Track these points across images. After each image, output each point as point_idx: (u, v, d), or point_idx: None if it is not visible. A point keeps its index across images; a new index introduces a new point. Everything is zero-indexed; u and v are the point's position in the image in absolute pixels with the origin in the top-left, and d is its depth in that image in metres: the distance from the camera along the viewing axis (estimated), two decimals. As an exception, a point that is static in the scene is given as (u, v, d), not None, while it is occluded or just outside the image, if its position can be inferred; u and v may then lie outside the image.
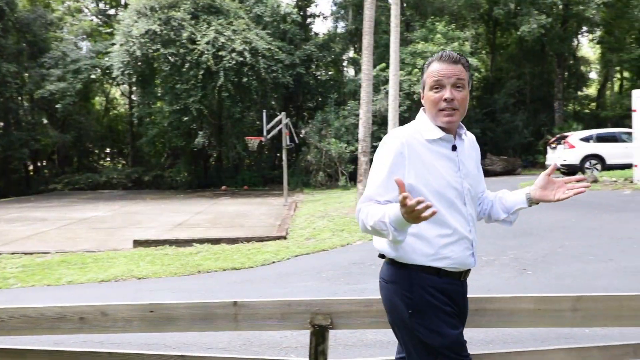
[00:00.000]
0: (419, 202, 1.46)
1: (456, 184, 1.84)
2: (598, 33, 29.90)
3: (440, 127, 1.85)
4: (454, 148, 1.88)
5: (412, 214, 1.49)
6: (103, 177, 22.44)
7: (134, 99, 25.06)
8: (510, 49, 30.70)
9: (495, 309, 2.37)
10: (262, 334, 3.87)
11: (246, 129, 22.90)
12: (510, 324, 2.39)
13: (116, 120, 28.78)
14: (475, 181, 1.96)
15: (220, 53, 18.05)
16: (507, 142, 24.60)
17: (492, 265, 5.87)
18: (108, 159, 28.78)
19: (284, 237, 8.51)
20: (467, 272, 1.92)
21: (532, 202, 1.99)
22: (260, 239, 8.37)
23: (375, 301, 2.42)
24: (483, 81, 30.35)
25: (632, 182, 12.88)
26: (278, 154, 23.37)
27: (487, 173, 20.96)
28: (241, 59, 18.07)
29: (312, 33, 27.41)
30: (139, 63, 18.74)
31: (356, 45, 26.68)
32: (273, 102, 24.42)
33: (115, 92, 28.58)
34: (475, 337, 3.69)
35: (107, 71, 20.61)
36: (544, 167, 19.89)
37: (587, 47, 35.12)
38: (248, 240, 8.29)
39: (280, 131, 14.54)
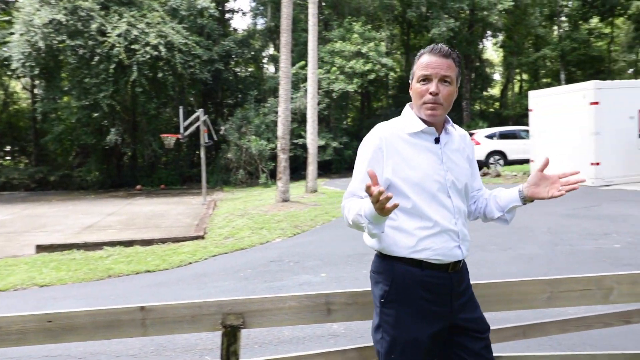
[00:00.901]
0: (380, 193, 1.48)
1: (438, 177, 1.82)
2: (501, 37, 32.09)
3: (425, 120, 1.84)
4: (437, 141, 1.86)
5: (377, 205, 1.51)
6: (2, 178, 20.65)
7: (37, 93, 23.27)
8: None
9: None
10: (176, 337, 3.77)
11: (162, 126, 22.09)
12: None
13: (17, 116, 26.57)
14: (465, 175, 1.92)
15: (133, 46, 17.24)
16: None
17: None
18: (8, 157, 26.51)
19: (202, 237, 8.33)
20: (457, 264, 1.88)
21: (525, 199, 1.96)
22: (177, 240, 8.13)
23: (287, 298, 2.44)
24: (398, 80, 31.51)
25: (529, 175, 13.96)
26: (197, 152, 22.78)
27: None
28: (156, 53, 17.38)
29: (231, 29, 26.99)
30: (42, 55, 17.42)
31: (276, 42, 26.61)
32: (192, 99, 23.78)
33: (16, 85, 26.40)
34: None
35: (5, 62, 18.96)
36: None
37: (492, 50, 37.58)
38: (164, 241, 8.02)
39: (198, 128, 14.19)
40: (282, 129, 11.62)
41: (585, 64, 32.45)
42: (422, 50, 1.86)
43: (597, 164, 11.38)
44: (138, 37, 17.29)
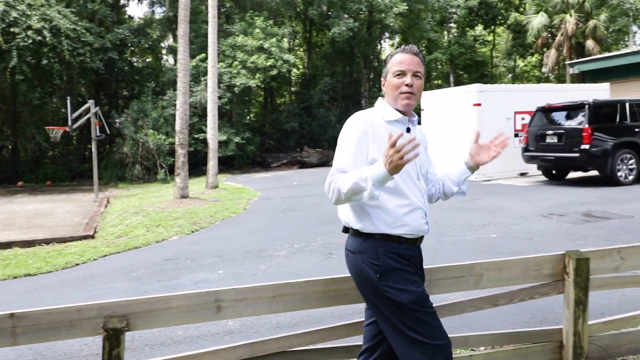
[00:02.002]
0: (411, 140, 1.74)
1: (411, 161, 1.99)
2: (397, 39, 33.62)
3: (399, 111, 2.08)
4: (408, 130, 2.10)
5: (397, 155, 1.72)
6: None
7: None
8: (325, 48, 32.70)
9: (291, 294, 2.52)
10: (58, 344, 3.51)
11: (48, 118, 20.35)
12: (305, 306, 2.55)
13: None
14: (427, 162, 2.22)
15: (12, 30, 15.65)
16: (322, 136, 26.19)
17: (302, 252, 6.21)
18: None
19: (92, 237, 7.81)
20: (422, 238, 2.15)
21: (472, 168, 2.28)
22: (63, 240, 7.55)
23: (174, 297, 2.38)
24: (301, 77, 31.81)
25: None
26: (88, 146, 21.29)
27: (305, 164, 22.08)
28: (39, 38, 15.93)
29: (127, 16, 25.50)
30: None
31: (175, 33, 25.57)
32: (82, 89, 22.12)
33: None
34: (268, 323, 3.88)
35: None
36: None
37: (389, 51, 39.24)
38: (48, 241, 7.41)
39: (89, 120, 13.25)
40: (180, 123, 11.23)
41: (472, 68, 35.06)
42: (393, 51, 2.14)
43: (480, 160, 12.36)
44: (18, 20, 15.73)
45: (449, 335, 2.81)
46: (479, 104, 12.30)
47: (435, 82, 35.37)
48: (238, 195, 12.01)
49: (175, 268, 5.74)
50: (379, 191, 1.86)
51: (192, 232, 7.94)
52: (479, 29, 35.69)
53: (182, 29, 11.45)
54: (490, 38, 36.36)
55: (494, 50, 36.37)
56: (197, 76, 20.88)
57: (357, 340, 2.69)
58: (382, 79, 2.17)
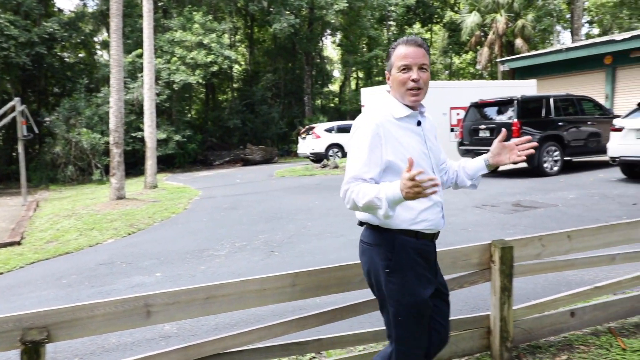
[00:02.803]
0: (430, 179, 1.65)
1: (425, 155, 2.02)
2: (338, 37, 33.88)
3: (407, 105, 2.01)
4: (419, 123, 2.05)
5: (416, 189, 1.65)
6: None
7: None
8: (267, 44, 32.47)
9: (225, 295, 2.48)
10: (-23, 360, 3.27)
11: (-31, 117, 18.99)
12: (240, 306, 2.51)
13: None
14: (439, 152, 2.15)
15: None
16: (266, 133, 26.03)
17: (244, 250, 6.14)
18: None
19: (18, 243, 7.36)
20: (438, 233, 2.08)
21: (489, 166, 2.19)
22: (-13, 247, 7.06)
23: (101, 305, 2.27)
24: (243, 74, 31.42)
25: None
26: (15, 146, 20.04)
27: (248, 162, 21.84)
28: (-44, 31, 14.81)
29: (56, 9, 24.18)
30: None
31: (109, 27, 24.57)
32: (8, 86, 20.79)
33: None
34: (206, 325, 3.82)
35: None
36: (297, 155, 21.66)
37: (331, 48, 39.50)
38: (-31, 250, 6.91)
39: (14, 119, 12.47)
40: (114, 122, 10.78)
41: (410, 65, 35.83)
42: (395, 42, 2.03)
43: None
44: None
45: (379, 329, 2.88)
46: (416, 100, 12.63)
47: (376, 78, 35.97)
48: (178, 194, 11.71)
49: (109, 273, 5.52)
50: (393, 212, 1.82)
51: (129, 234, 7.66)
52: (417, 27, 36.62)
53: (115, 23, 10.98)
54: (427, 36, 37.40)
55: (431, 47, 37.42)
56: (134, 72, 20.14)
57: (295, 337, 2.69)
58: (386, 72, 2.09)
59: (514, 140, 2.11)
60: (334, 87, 38.69)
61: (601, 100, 15.19)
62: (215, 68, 20.95)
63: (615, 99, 15.51)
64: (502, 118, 10.84)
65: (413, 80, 1.96)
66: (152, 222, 8.47)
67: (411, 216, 1.97)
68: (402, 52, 1.99)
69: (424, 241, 2.01)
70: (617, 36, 16.23)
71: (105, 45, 24.62)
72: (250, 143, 24.01)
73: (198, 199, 11.16)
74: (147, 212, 9.21)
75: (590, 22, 34.50)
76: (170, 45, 20.82)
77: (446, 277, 2.88)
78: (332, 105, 35.21)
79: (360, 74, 36.97)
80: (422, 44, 2.01)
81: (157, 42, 19.91)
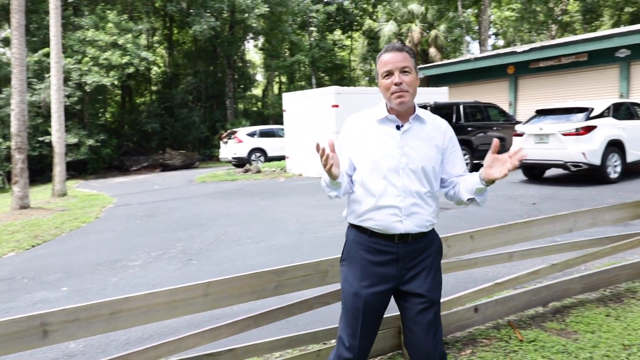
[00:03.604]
0: (322, 150, 1.85)
1: (391, 158, 2.01)
2: (261, 40, 33.74)
3: (396, 109, 2.04)
4: (398, 127, 2.05)
5: (323, 163, 1.87)
6: None
7: None
8: (187, 46, 31.62)
9: (132, 309, 2.36)
10: None
11: None
12: (147, 320, 2.41)
13: None
14: (424, 160, 2.03)
15: None
16: (186, 137, 25.31)
17: (160, 260, 5.91)
18: None
19: None
20: (404, 236, 2.01)
21: (485, 181, 1.98)
22: None
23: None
24: (162, 76, 30.35)
25: (286, 171, 15.08)
26: None
27: (167, 167, 21.12)
28: None
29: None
30: None
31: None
32: None
33: None
34: (116, 340, 3.63)
35: None
36: (219, 160, 21.27)
37: (254, 52, 39.26)
38: None
39: None
40: (16, 125, 9.99)
41: (332, 71, 36.55)
42: (380, 52, 2.09)
43: (339, 159, 12.94)
44: None
45: (298, 333, 2.89)
46: (336, 105, 12.85)
47: (299, 83, 36.22)
48: (90, 202, 11.06)
49: (9, 289, 5.08)
50: (334, 192, 2.04)
51: (33, 246, 7.11)
52: (338, 33, 37.38)
53: (16, 19, 10.19)
54: (348, 42, 38.28)
55: (351, 54, 38.34)
56: (41, 72, 18.80)
57: (209, 348, 2.62)
58: (376, 80, 2.13)
59: (509, 152, 1.97)
60: (257, 91, 38.49)
61: (505, 107, 16.34)
62: (131, 70, 20.06)
63: (518, 106, 16.74)
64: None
65: (396, 84, 1.99)
66: (60, 232, 7.92)
67: (359, 213, 2.06)
68: (383, 59, 2.04)
69: (376, 239, 2.02)
70: (519, 48, 17.54)
71: (7, 42, 22.77)
72: (170, 147, 23.24)
73: (112, 206, 10.60)
74: (55, 222, 8.61)
75: (496, 34, 37.03)
76: (81, 44, 19.66)
77: (359, 280, 2.96)
78: (254, 109, 34.99)
79: (283, 79, 37.07)
80: (403, 48, 2.04)
81: (67, 41, 18.74)
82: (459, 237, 3.13)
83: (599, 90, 14.53)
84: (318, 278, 2.81)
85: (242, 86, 32.06)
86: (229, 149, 18.37)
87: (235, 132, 18.78)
